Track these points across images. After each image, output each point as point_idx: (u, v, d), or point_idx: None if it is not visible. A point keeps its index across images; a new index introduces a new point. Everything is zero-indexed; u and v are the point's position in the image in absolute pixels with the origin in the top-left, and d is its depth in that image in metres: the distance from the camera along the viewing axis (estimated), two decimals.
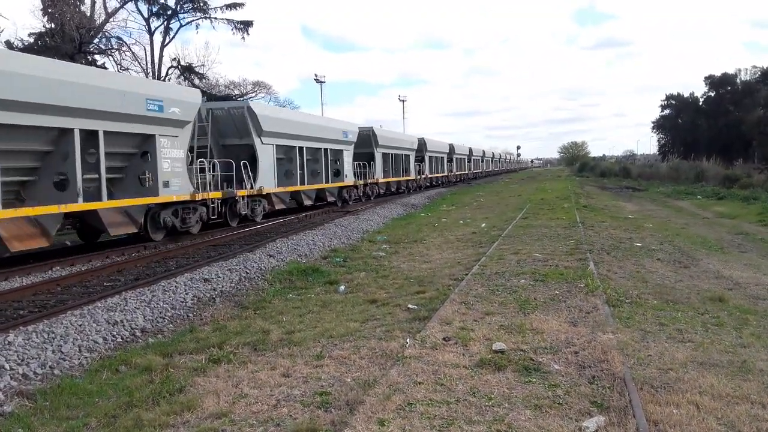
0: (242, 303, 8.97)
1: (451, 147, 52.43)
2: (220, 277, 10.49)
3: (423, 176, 41.57)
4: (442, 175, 48.12)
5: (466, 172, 60.60)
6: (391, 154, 34.51)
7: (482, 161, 73.96)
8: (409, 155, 38.13)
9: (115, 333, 7.35)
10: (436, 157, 46.55)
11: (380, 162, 31.97)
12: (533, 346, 5.87)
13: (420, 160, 41.38)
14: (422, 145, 41.25)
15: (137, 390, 5.39)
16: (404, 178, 37.01)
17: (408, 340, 6.22)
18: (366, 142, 30.03)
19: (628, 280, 9.27)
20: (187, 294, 9.29)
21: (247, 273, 11.00)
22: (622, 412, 4.31)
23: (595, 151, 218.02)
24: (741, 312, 7.43)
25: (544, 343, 5.96)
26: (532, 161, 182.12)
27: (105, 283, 10.18)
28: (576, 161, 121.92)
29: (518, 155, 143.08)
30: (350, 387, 5.08)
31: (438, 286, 9.18)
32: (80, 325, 7.34)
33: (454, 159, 53.35)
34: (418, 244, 14.65)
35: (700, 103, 75.60)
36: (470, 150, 63.94)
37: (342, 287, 9.64)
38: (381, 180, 32.01)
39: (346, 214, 21.76)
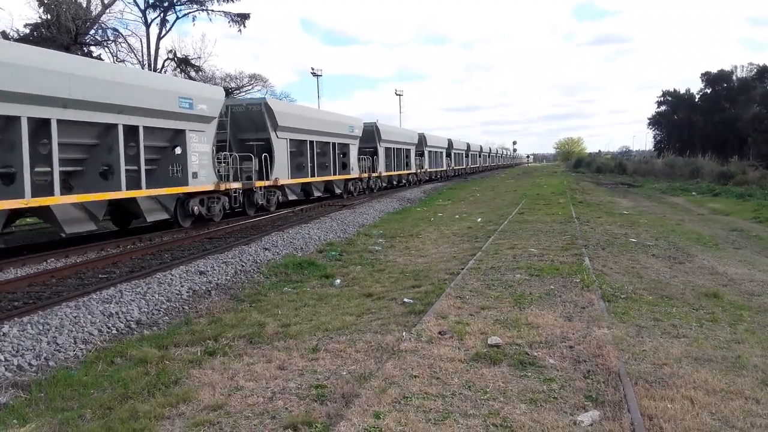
0: (238, 296, 8.97)
1: (450, 142, 52.58)
2: (215, 269, 10.47)
3: (423, 170, 41.99)
4: (440, 169, 48.38)
5: (464, 167, 60.76)
6: (393, 149, 35.24)
7: (479, 156, 74.11)
8: (409, 150, 38.79)
9: (110, 325, 7.34)
10: (435, 152, 46.87)
11: (383, 156, 32.88)
12: (528, 341, 5.88)
13: (420, 154, 41.83)
14: (422, 140, 41.76)
15: (132, 382, 5.39)
16: (405, 172, 37.81)
17: (404, 334, 6.23)
18: (370, 136, 30.87)
19: (623, 276, 9.29)
20: (182, 286, 9.27)
21: (243, 266, 10.98)
22: (616, 406, 4.32)
23: (591, 147, 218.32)
24: (735, 308, 7.46)
25: (540, 338, 5.97)
26: (528, 156, 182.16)
27: (100, 275, 10.16)
28: (571, 157, 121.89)
29: (514, 151, 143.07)
30: (346, 380, 5.08)
31: (434, 280, 9.17)
32: (75, 317, 7.32)
33: (452, 154, 53.56)
34: (414, 238, 14.65)
35: (696, 100, 75.74)
36: (468, 145, 64.11)
37: (338, 281, 9.64)
38: (384, 173, 32.97)
39: (342, 208, 21.75)
